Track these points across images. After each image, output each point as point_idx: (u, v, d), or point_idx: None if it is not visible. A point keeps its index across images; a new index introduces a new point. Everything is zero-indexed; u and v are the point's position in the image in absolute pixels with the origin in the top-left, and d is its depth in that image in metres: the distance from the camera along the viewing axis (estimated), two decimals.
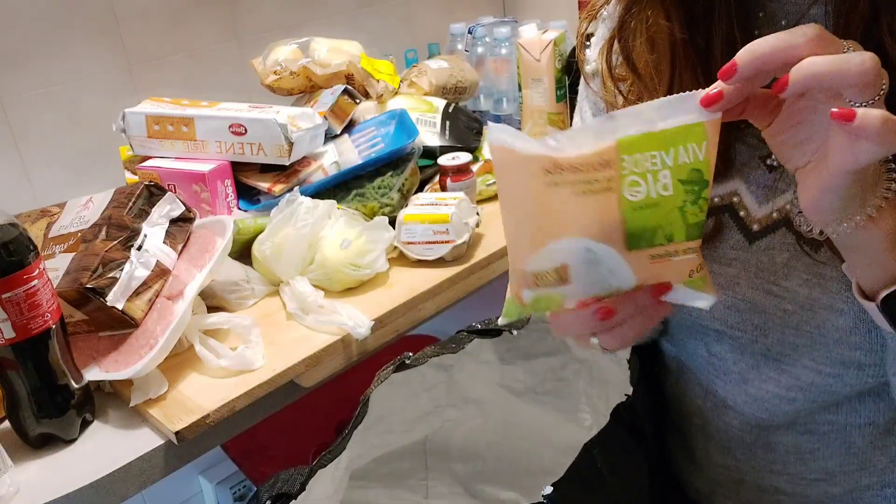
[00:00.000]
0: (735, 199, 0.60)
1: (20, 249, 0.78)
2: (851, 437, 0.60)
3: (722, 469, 0.67)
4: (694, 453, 0.70)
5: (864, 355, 0.55)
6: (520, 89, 1.48)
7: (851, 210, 0.43)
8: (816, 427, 0.61)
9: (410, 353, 0.75)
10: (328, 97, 1.32)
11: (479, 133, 1.40)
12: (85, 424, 0.87)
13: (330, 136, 1.29)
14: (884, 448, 0.60)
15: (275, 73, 1.36)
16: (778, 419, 0.61)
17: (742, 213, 0.59)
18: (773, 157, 0.57)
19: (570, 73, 1.38)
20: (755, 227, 0.59)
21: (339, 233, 1.06)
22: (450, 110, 1.39)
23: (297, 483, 0.64)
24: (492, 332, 0.79)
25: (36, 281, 0.79)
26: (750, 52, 0.41)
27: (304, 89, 1.40)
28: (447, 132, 1.35)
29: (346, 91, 1.31)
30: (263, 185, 1.20)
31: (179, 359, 0.95)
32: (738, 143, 0.60)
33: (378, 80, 1.39)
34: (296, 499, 0.63)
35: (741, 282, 0.59)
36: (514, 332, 0.79)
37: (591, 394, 0.82)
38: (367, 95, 1.38)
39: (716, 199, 0.61)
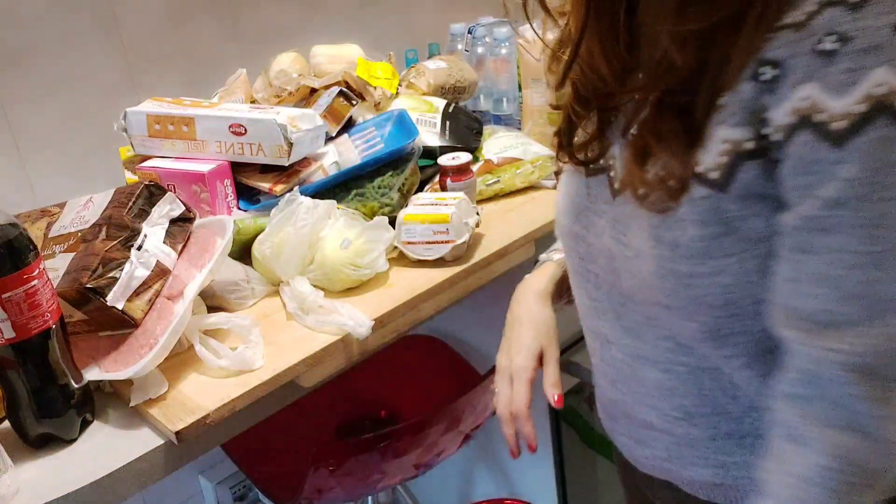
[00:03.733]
0: (612, 162, 0.69)
1: (20, 249, 0.78)
2: (702, 380, 0.67)
3: (613, 403, 0.76)
4: (598, 393, 0.80)
5: (664, 297, 0.64)
6: (520, 89, 1.48)
7: None
8: (673, 367, 0.68)
9: None
10: (325, 99, 1.32)
11: (480, 133, 1.40)
12: (85, 424, 0.87)
13: (328, 137, 1.30)
14: (734, 398, 0.67)
15: (276, 96, 1.38)
16: (646, 348, 0.69)
17: (612, 174, 0.69)
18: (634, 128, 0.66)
19: None
20: (616, 185, 0.68)
21: (339, 233, 1.06)
22: (450, 110, 1.39)
23: None
24: None
25: (36, 281, 0.79)
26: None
27: (305, 97, 1.41)
28: (447, 132, 1.35)
29: (341, 93, 1.32)
30: (264, 185, 1.20)
31: (179, 359, 0.95)
32: (620, 113, 0.68)
33: (375, 88, 1.39)
34: None
35: (606, 231, 0.69)
36: None
37: None
38: (365, 100, 1.39)
39: (601, 163, 0.70)
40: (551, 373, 0.82)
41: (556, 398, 0.81)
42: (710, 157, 0.58)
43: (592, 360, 0.78)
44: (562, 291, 0.85)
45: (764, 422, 0.66)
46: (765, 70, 0.54)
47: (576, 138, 0.72)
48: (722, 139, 0.58)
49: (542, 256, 0.89)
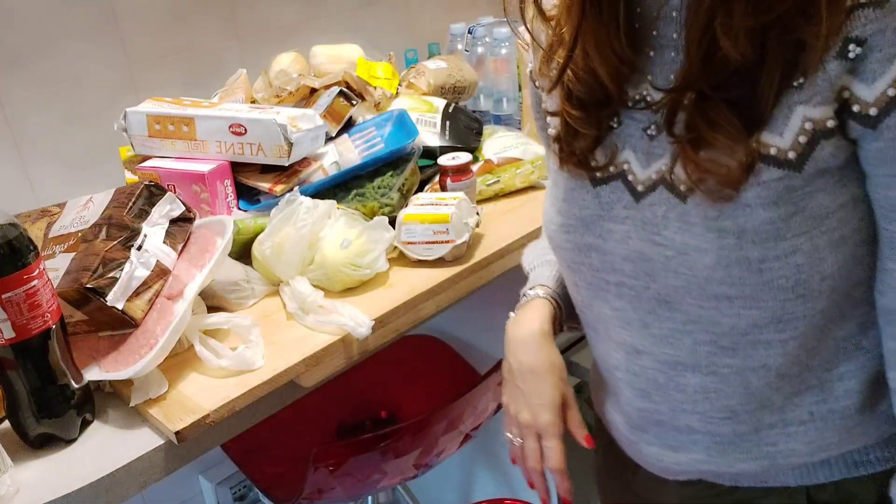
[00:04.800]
0: (626, 167, 0.69)
1: (20, 249, 0.78)
2: (748, 378, 0.68)
3: (643, 413, 0.75)
4: (621, 405, 0.78)
5: (728, 288, 0.63)
6: (520, 89, 1.48)
7: None
8: (718, 369, 0.68)
9: None
10: (325, 99, 1.32)
11: (479, 133, 1.40)
12: (85, 424, 0.87)
13: (328, 137, 1.29)
14: (778, 388, 0.68)
15: (276, 96, 1.38)
16: (683, 354, 0.69)
17: (630, 178, 0.68)
18: (652, 127, 0.67)
19: None
20: (640, 187, 0.68)
21: (339, 233, 1.06)
22: (450, 110, 1.39)
23: None
24: None
25: (36, 281, 0.79)
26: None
27: (305, 97, 1.41)
28: (447, 132, 1.35)
29: (341, 93, 1.31)
30: (264, 185, 1.20)
31: (179, 359, 0.95)
32: (627, 118, 0.68)
33: (375, 88, 1.39)
34: None
35: (632, 235, 0.68)
36: None
37: None
38: (364, 100, 1.39)
39: (611, 169, 0.70)
40: (575, 415, 0.81)
41: (584, 438, 0.80)
42: (787, 139, 0.59)
43: (616, 373, 0.76)
44: (556, 327, 0.84)
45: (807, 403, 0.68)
46: (852, 48, 0.56)
47: (577, 144, 0.71)
48: (804, 119, 0.59)
49: (529, 292, 0.85)
